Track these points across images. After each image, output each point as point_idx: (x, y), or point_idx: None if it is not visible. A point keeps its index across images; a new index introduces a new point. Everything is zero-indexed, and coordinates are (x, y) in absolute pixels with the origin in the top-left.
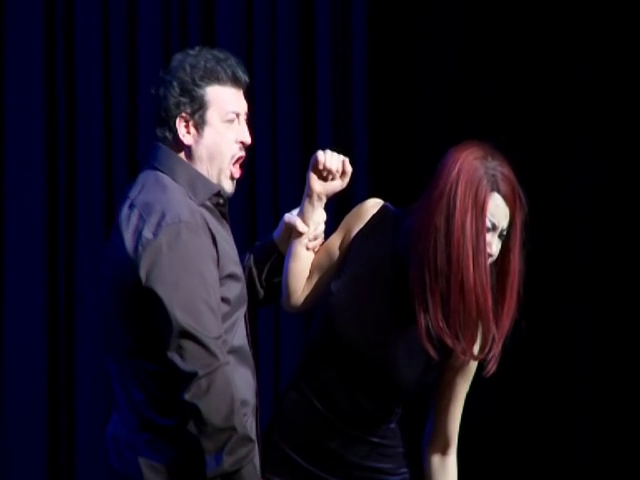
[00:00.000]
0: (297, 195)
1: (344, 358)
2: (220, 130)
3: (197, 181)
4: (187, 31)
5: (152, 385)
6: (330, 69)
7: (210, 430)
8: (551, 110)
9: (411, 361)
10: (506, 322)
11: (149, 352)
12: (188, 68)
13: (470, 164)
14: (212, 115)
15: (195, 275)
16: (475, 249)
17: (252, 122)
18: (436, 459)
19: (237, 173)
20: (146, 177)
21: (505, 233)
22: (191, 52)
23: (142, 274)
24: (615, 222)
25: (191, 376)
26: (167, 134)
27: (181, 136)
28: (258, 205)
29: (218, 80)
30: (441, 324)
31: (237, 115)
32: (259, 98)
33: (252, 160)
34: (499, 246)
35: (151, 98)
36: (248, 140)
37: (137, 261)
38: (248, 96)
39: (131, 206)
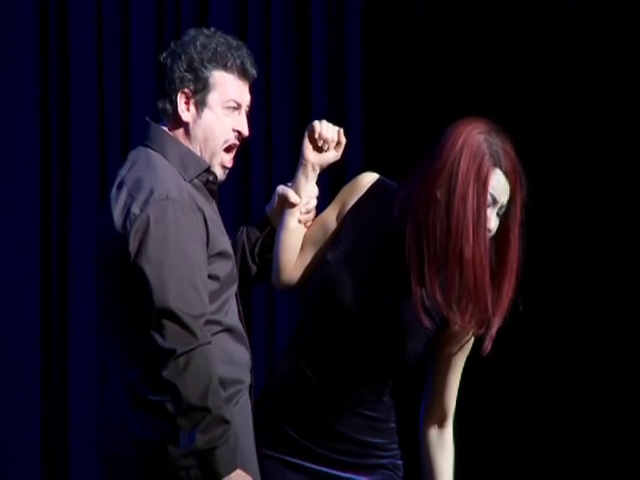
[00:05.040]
0: (291, 172)
1: (340, 327)
2: (219, 115)
3: (187, 158)
4: (180, 22)
5: (145, 362)
6: (324, 41)
7: (185, 408)
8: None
9: (406, 330)
10: (504, 301)
11: (141, 329)
12: (199, 46)
13: (474, 138)
14: (213, 98)
15: (179, 253)
16: (475, 221)
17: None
18: (433, 432)
19: (229, 162)
20: (136, 155)
21: (504, 211)
22: (206, 31)
23: (130, 250)
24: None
25: (170, 353)
26: (167, 106)
27: (180, 111)
28: (252, 186)
29: (225, 66)
30: (437, 295)
31: (238, 105)
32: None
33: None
34: (497, 223)
35: (144, 85)
36: (246, 131)
37: (125, 237)
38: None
39: (120, 184)
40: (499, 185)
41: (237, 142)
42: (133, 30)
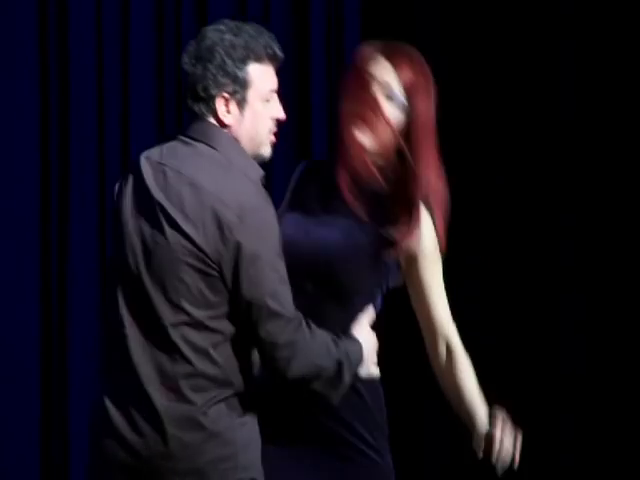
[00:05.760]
0: (291, 170)
1: (297, 272)
2: (259, 110)
3: (247, 163)
4: (180, 21)
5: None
6: (323, 40)
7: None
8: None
9: (350, 236)
10: (424, 188)
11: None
12: (229, 46)
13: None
14: (252, 95)
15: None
16: (355, 85)
17: None
18: (441, 362)
19: (273, 138)
20: (201, 154)
21: (394, 96)
22: (223, 28)
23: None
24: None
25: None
26: (205, 111)
27: (222, 116)
28: None
29: (259, 59)
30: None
31: (273, 92)
32: None
33: None
34: (394, 113)
35: (143, 82)
36: (283, 116)
37: (225, 242)
38: None
39: (193, 185)
40: (377, 65)
41: (276, 129)
42: (133, 30)
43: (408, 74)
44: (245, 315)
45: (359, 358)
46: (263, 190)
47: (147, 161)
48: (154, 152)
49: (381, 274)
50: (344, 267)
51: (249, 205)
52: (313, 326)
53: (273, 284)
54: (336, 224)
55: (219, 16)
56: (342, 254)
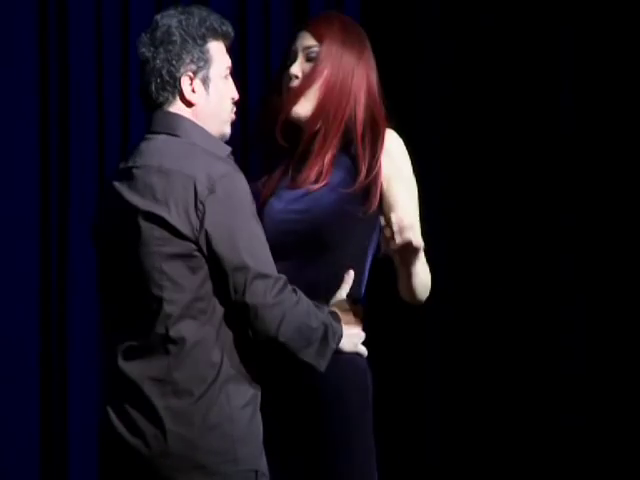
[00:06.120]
0: None
1: (278, 242)
2: (220, 86)
3: (212, 141)
4: None
5: None
6: None
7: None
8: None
9: (325, 200)
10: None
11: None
12: (185, 26)
13: None
14: (214, 72)
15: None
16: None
17: (246, 77)
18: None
19: (233, 116)
20: (164, 142)
21: (312, 53)
22: (173, 12)
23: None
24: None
25: None
26: (170, 97)
27: (188, 95)
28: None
29: (215, 36)
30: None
31: (229, 70)
32: (252, 54)
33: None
34: (309, 66)
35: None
36: (237, 96)
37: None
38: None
39: (160, 171)
40: (300, 39)
41: (235, 109)
42: (132, 29)
43: (321, 30)
44: (230, 284)
45: (338, 325)
46: (231, 161)
47: (116, 173)
48: (121, 163)
49: (365, 235)
50: (329, 230)
51: (216, 175)
52: (296, 288)
53: (253, 247)
54: (312, 193)
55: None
56: (325, 220)
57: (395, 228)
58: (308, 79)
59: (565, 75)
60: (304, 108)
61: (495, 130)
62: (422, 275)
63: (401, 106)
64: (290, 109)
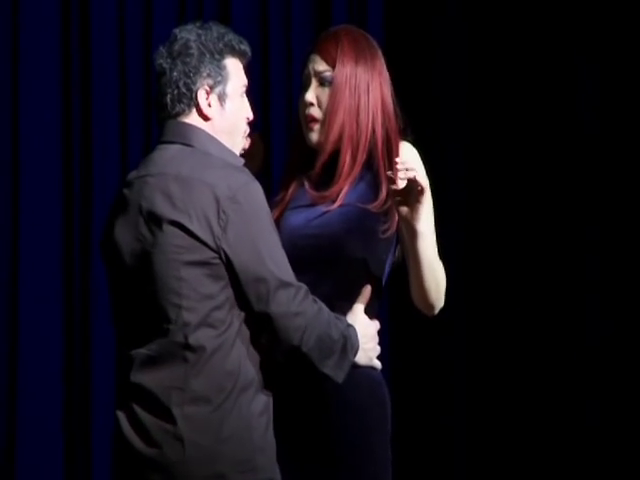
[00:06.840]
0: None
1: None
2: (236, 103)
3: (227, 153)
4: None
5: None
6: None
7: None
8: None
9: (346, 218)
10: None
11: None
12: (204, 41)
13: None
14: (231, 88)
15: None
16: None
17: (268, 87)
18: None
19: (246, 144)
20: (179, 152)
21: (325, 78)
22: (192, 27)
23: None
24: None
25: None
26: (186, 109)
27: (204, 109)
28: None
29: (233, 52)
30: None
31: (245, 88)
32: (274, 64)
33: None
34: (323, 91)
35: None
36: (252, 116)
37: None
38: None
39: (178, 178)
40: (311, 63)
41: (249, 129)
42: (155, 31)
43: (331, 52)
44: (252, 293)
45: (356, 338)
46: (248, 171)
47: (126, 183)
48: (132, 173)
49: (383, 250)
50: (349, 245)
51: (237, 184)
52: (316, 298)
53: (276, 256)
54: (333, 210)
55: (242, 15)
56: (346, 236)
57: (400, 167)
58: (328, 110)
59: (586, 77)
60: (325, 135)
61: (515, 134)
62: (436, 266)
63: (422, 113)
64: (312, 138)
